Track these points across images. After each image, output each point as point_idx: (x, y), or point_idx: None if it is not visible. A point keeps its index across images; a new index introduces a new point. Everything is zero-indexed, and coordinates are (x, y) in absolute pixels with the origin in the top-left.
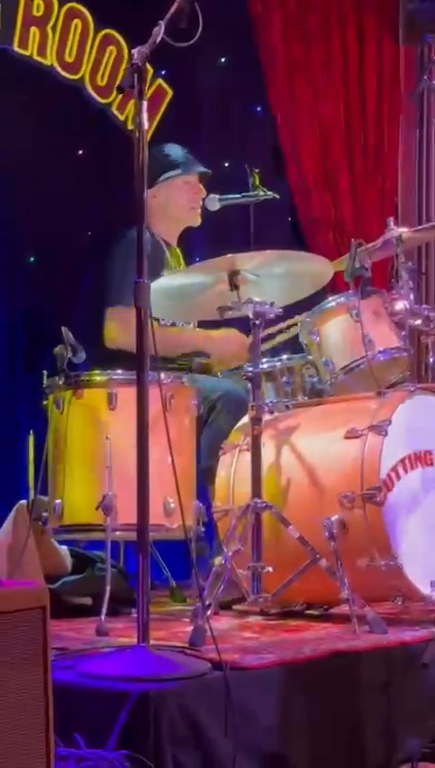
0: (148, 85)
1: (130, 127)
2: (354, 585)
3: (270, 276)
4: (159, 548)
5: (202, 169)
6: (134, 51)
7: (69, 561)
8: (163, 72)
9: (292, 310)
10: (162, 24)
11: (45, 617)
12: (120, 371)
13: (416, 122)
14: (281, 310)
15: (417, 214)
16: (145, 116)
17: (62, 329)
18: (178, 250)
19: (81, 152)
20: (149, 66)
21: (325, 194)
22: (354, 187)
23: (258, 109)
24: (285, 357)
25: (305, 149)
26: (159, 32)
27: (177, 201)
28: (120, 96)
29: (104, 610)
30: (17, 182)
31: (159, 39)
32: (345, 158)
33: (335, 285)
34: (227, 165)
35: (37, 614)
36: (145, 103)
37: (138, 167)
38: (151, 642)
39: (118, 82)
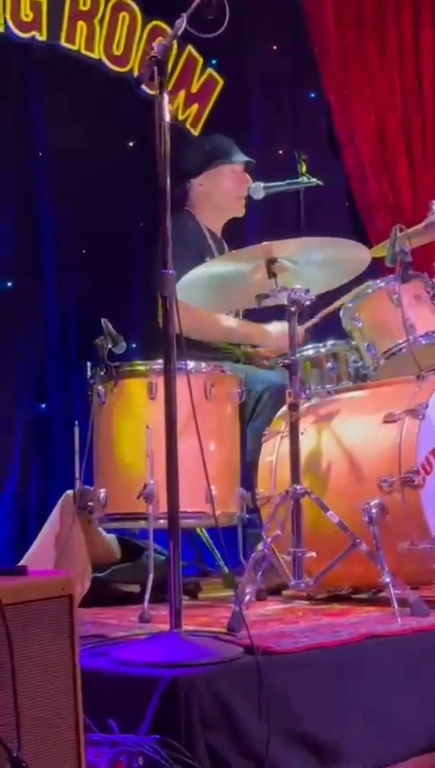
0: (198, 76)
1: (181, 117)
2: (396, 568)
3: (308, 263)
4: (214, 535)
5: (247, 158)
6: (154, 44)
7: (117, 550)
8: (214, 62)
9: (332, 297)
10: (184, 16)
11: (72, 605)
12: (160, 361)
13: None
14: (314, 297)
15: None
16: (166, 109)
17: (102, 320)
18: (222, 240)
19: (131, 144)
20: (199, 56)
21: (383, 179)
22: (413, 171)
23: (312, 95)
24: (329, 343)
25: (361, 135)
26: (182, 24)
27: (222, 190)
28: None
29: (147, 598)
30: (69, 176)
31: (180, 32)
32: (402, 143)
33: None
34: (280, 152)
35: (64, 602)
36: (167, 97)
37: (160, 159)
38: (189, 628)
39: (137, 75)
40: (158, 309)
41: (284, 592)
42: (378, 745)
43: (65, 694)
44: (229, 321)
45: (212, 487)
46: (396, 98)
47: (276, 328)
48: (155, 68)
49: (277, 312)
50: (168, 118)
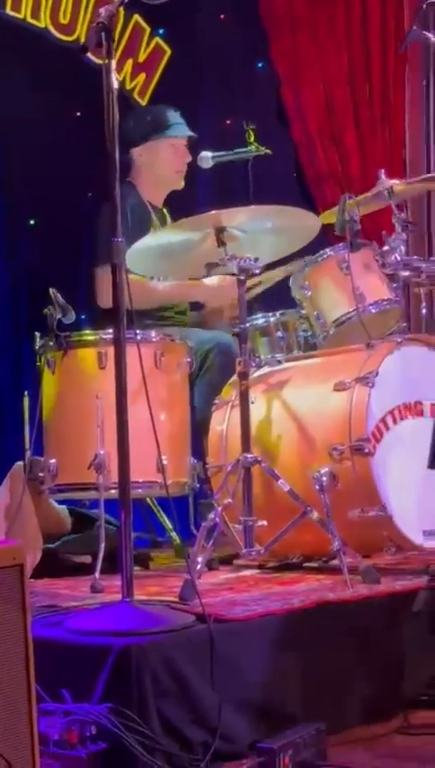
0: (145, 45)
1: (128, 87)
2: (347, 536)
3: (257, 232)
4: (165, 505)
5: (189, 133)
6: (101, 9)
7: (68, 521)
8: (161, 31)
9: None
10: None
11: (23, 574)
12: (109, 330)
13: (422, 74)
14: (264, 265)
15: (426, 165)
16: (114, 76)
17: (51, 290)
18: (164, 212)
19: (78, 113)
20: (146, 25)
21: (331, 149)
22: (361, 141)
23: (260, 65)
24: (278, 312)
25: (310, 105)
26: None
27: (161, 162)
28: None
29: (98, 568)
30: (16, 146)
31: None
32: (351, 113)
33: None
34: (229, 122)
35: (14, 572)
36: (113, 62)
37: (108, 127)
38: (139, 597)
39: (83, 41)
40: (96, 284)
41: (235, 561)
42: (329, 712)
43: (17, 663)
44: (164, 285)
45: (163, 457)
46: (344, 68)
47: (213, 281)
48: (102, 34)
49: None
50: (116, 84)
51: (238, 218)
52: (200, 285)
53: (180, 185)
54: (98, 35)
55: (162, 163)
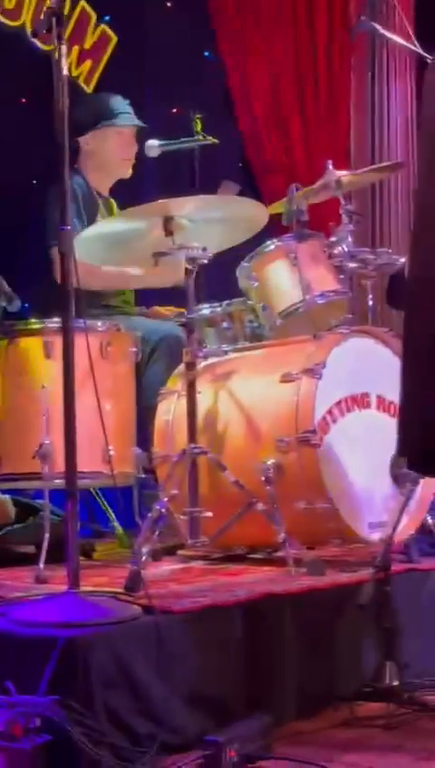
0: (91, 32)
1: (74, 74)
2: (293, 528)
3: (205, 221)
4: (109, 495)
5: (137, 122)
6: None
7: (12, 510)
8: (107, 18)
9: (229, 255)
10: None
11: None
12: (55, 319)
13: (368, 64)
14: (212, 255)
15: (371, 156)
16: (64, 61)
17: None
18: (111, 201)
19: (24, 100)
20: (92, 12)
21: (277, 138)
22: (306, 130)
23: (207, 54)
24: (224, 302)
25: (256, 94)
26: None
27: (108, 151)
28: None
29: (43, 558)
30: None
31: None
32: (296, 102)
33: (276, 229)
34: (174, 111)
35: None
36: (64, 48)
37: (58, 113)
38: (86, 588)
39: (33, 26)
40: (54, 261)
41: (179, 552)
42: (275, 705)
43: None
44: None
45: (110, 447)
46: (290, 56)
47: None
48: (53, 19)
49: None
50: (66, 70)
51: (186, 207)
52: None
53: (128, 174)
54: (48, 21)
55: (109, 151)
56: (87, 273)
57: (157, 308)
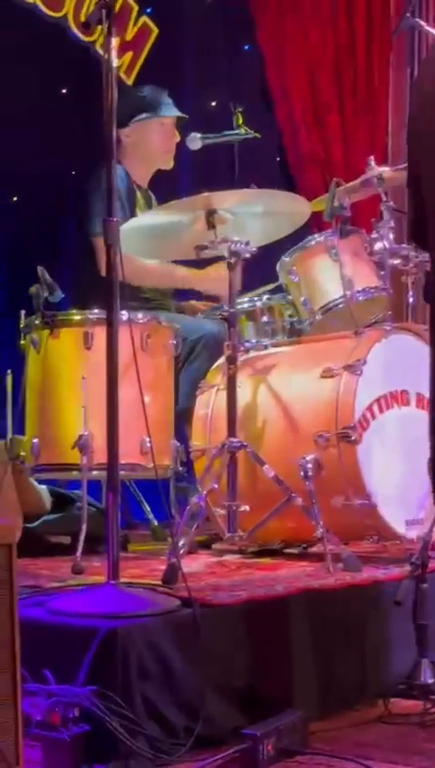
0: (133, 23)
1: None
2: (330, 524)
3: (247, 215)
4: (142, 487)
5: (178, 113)
6: None
7: (48, 501)
8: (149, 10)
9: (270, 249)
10: None
11: (11, 554)
12: (96, 311)
13: (406, 60)
14: (256, 249)
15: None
16: (114, 54)
17: (38, 268)
18: (150, 193)
19: (64, 91)
20: (134, 4)
21: (314, 133)
22: (344, 125)
23: (246, 47)
24: (265, 297)
25: (294, 88)
26: None
27: (150, 143)
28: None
29: (80, 549)
30: (1, 121)
31: None
32: (335, 97)
33: (317, 225)
34: (214, 104)
35: (2, 552)
36: (114, 40)
37: (107, 105)
38: (124, 580)
39: (85, 18)
40: (96, 253)
41: (214, 546)
42: (311, 699)
43: (3, 644)
44: (179, 269)
45: (147, 439)
46: (329, 52)
47: (212, 269)
48: (103, 11)
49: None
50: (116, 62)
51: (229, 201)
52: (199, 273)
53: (169, 165)
54: (99, 13)
55: (151, 143)
56: (134, 269)
57: (193, 302)
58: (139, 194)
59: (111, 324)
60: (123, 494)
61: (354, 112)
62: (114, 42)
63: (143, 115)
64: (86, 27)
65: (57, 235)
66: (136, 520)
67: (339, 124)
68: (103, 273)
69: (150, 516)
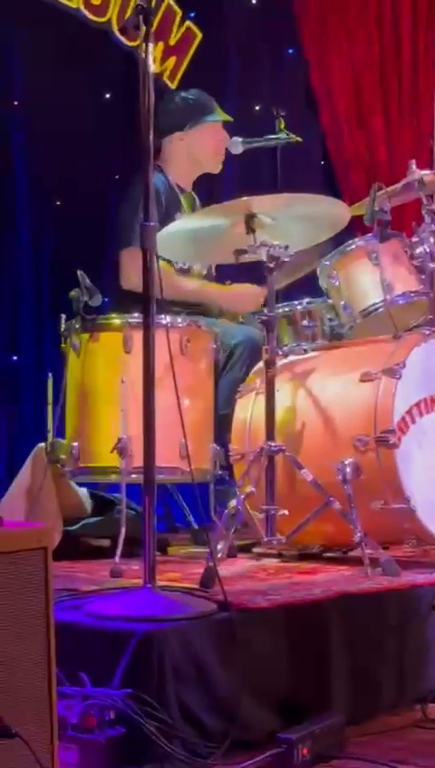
0: (176, 28)
1: (158, 70)
2: (368, 528)
3: (287, 219)
4: (184, 491)
5: (228, 117)
6: None
7: (88, 504)
8: (192, 15)
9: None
10: None
11: (47, 557)
12: (135, 314)
13: None
14: (293, 253)
15: None
16: (151, 58)
17: (78, 272)
18: (193, 195)
19: (108, 96)
20: (177, 8)
21: (359, 136)
22: (389, 129)
23: (290, 51)
24: (305, 300)
25: (338, 91)
26: None
27: (204, 146)
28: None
29: (119, 552)
30: (44, 127)
31: None
32: (379, 100)
33: (359, 229)
34: (257, 108)
35: (38, 555)
36: (151, 46)
37: (143, 110)
38: (161, 583)
39: (122, 23)
40: (121, 265)
41: (254, 550)
42: (348, 704)
43: (38, 646)
44: (192, 282)
45: (186, 443)
46: (374, 54)
47: (235, 289)
48: (141, 17)
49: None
50: (158, 67)
51: (269, 205)
52: (225, 293)
53: (218, 169)
54: (136, 18)
55: (205, 146)
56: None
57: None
58: (182, 197)
59: (147, 328)
60: (165, 497)
61: (399, 115)
62: (156, 47)
63: (201, 118)
64: (123, 33)
65: (100, 239)
66: (177, 524)
67: (383, 127)
68: (124, 285)
69: (190, 519)
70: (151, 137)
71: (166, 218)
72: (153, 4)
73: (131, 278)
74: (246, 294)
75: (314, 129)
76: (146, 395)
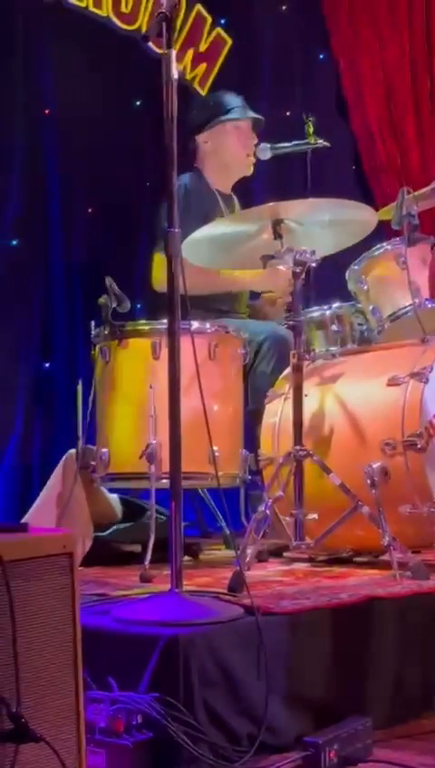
0: (207, 35)
1: (188, 77)
2: (397, 532)
3: (314, 225)
4: (216, 496)
5: (254, 115)
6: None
7: (119, 509)
8: (223, 22)
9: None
10: None
11: (72, 563)
12: (164, 321)
13: None
14: (321, 258)
15: None
16: (174, 66)
17: (107, 279)
18: (234, 198)
19: (138, 103)
20: (208, 15)
21: (390, 140)
22: (421, 133)
23: (321, 56)
24: (334, 305)
25: (370, 96)
26: None
27: (227, 147)
28: (177, 46)
29: (148, 557)
30: (75, 134)
31: None
32: (411, 105)
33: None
34: (288, 114)
35: (64, 560)
36: (174, 53)
37: (166, 116)
38: (189, 588)
39: (145, 31)
40: (152, 268)
41: (284, 554)
42: (376, 707)
43: (65, 651)
44: (228, 271)
45: (215, 448)
46: (405, 57)
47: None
48: (163, 24)
49: None
50: (176, 74)
51: (296, 211)
52: (257, 277)
53: (249, 170)
54: (159, 25)
55: (229, 147)
56: (195, 279)
57: (266, 295)
58: (221, 201)
59: (172, 334)
60: (198, 502)
61: (431, 120)
62: (187, 54)
63: (218, 119)
64: (145, 40)
65: (131, 245)
66: (210, 529)
67: (414, 131)
68: (155, 287)
69: (223, 524)
70: (175, 144)
71: (205, 220)
72: (182, 10)
73: (161, 280)
74: (278, 274)
75: (345, 133)
76: (172, 401)
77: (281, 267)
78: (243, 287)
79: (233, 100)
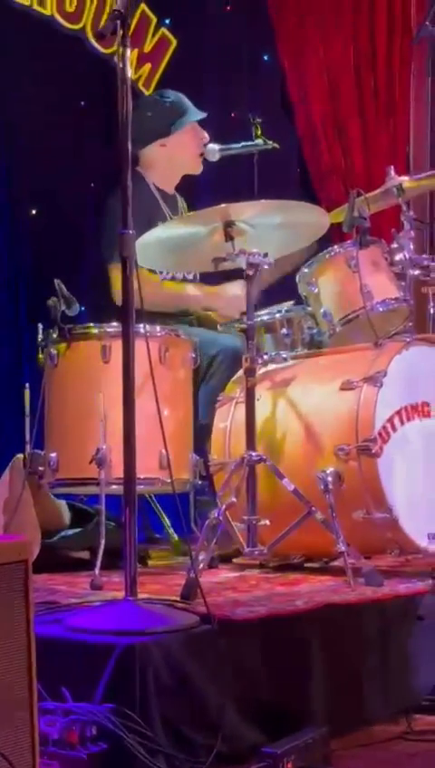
0: (151, 35)
1: (133, 77)
2: (350, 538)
3: (266, 227)
4: (164, 502)
5: (204, 114)
6: None
7: (67, 516)
8: (167, 21)
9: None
10: None
11: (27, 571)
12: (114, 324)
13: (427, 69)
14: (273, 261)
15: (429, 162)
16: (129, 64)
17: (55, 281)
18: (177, 198)
19: (83, 103)
20: (152, 15)
21: (335, 143)
22: (365, 135)
23: (265, 57)
24: (284, 309)
25: (314, 98)
26: None
27: (188, 148)
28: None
29: (98, 564)
30: (18, 135)
31: None
32: (355, 107)
33: (338, 236)
34: (233, 115)
35: (19, 568)
36: (129, 51)
37: (121, 117)
38: (142, 596)
39: (99, 29)
40: (111, 281)
41: (235, 560)
42: (332, 716)
43: (19, 661)
44: (181, 288)
45: (165, 453)
46: (350, 60)
47: (234, 290)
48: (117, 22)
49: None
50: (134, 74)
51: (247, 213)
52: (218, 294)
53: (200, 169)
54: (113, 24)
55: (188, 148)
56: (150, 290)
57: (211, 313)
58: (162, 202)
59: (127, 337)
60: (144, 508)
61: (375, 122)
62: (129, 52)
63: (180, 120)
64: (100, 38)
65: (77, 247)
66: (157, 534)
67: (360, 134)
68: (118, 301)
69: (171, 531)
70: (130, 144)
71: (148, 226)
72: (128, 9)
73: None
74: (231, 293)
75: (290, 136)
76: (126, 405)
77: (238, 292)
78: (187, 303)
79: (183, 99)
